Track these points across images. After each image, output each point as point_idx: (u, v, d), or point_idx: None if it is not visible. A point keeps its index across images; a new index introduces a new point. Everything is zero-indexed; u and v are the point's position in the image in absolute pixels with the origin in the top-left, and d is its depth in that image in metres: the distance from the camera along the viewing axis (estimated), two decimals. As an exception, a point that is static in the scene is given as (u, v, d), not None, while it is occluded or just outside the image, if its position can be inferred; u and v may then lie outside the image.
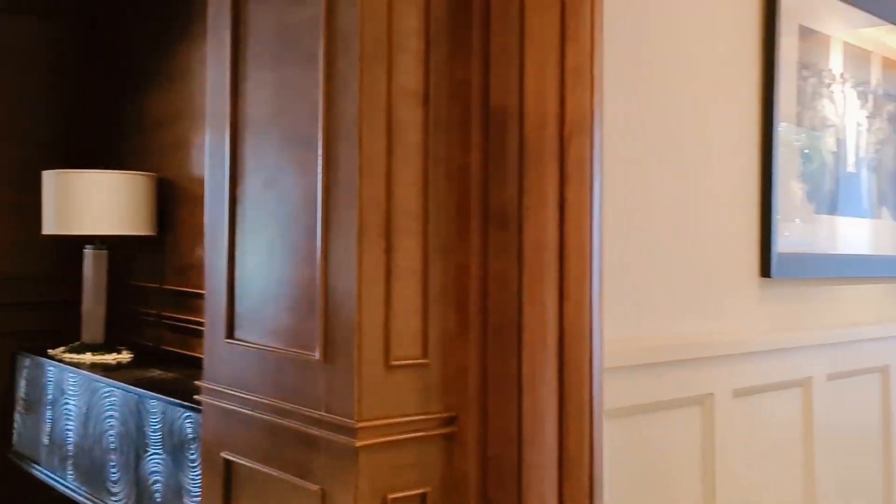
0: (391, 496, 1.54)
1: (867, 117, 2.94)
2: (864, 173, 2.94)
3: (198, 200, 2.19)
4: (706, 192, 2.37)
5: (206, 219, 1.92)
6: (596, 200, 1.73)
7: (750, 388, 2.47)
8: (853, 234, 2.93)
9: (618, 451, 2.10)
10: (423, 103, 1.61)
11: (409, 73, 1.59)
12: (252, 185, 1.79)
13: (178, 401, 2.39)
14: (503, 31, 1.67)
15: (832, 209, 2.82)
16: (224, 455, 1.83)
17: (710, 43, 2.38)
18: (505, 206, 1.66)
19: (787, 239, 2.60)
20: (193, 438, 2.28)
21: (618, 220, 2.10)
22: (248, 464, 1.77)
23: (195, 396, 1.99)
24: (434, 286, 1.61)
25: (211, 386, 1.90)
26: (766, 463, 2.55)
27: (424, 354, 1.60)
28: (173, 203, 3.32)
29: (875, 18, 2.95)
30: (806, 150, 2.69)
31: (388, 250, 1.54)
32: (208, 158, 1.91)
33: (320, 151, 1.60)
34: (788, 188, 2.61)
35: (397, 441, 1.55)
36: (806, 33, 2.65)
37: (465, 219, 1.67)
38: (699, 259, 2.36)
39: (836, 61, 2.78)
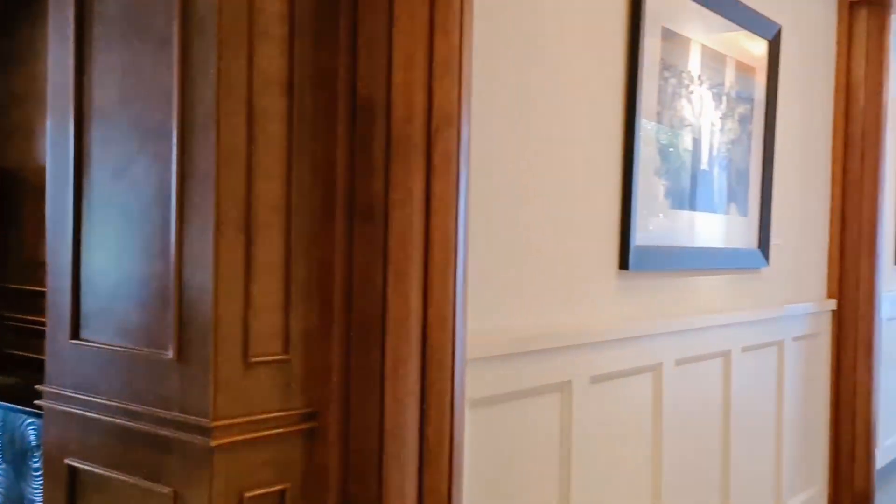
0: (248, 494, 1.51)
1: (720, 118, 3.08)
2: (717, 171, 3.08)
3: (44, 192, 2.06)
4: (570, 186, 2.43)
5: (48, 211, 1.81)
6: (462, 194, 1.74)
7: (606, 374, 2.57)
8: (705, 229, 3.07)
9: (480, 439, 2.14)
10: (286, 92, 1.57)
11: (272, 60, 1.54)
12: (100, 176, 1.70)
13: (20, 407, 2.25)
14: (371, 20, 1.64)
15: (687, 205, 2.94)
16: (68, 462, 1.75)
17: (577, 40, 2.43)
18: (371, 200, 1.64)
19: (644, 233, 2.70)
20: (37, 446, 2.16)
21: (484, 214, 2.12)
22: (95, 470, 1.70)
23: (36, 402, 1.88)
24: (297, 281, 1.59)
25: (54, 390, 1.80)
26: (619, 445, 2.65)
27: (286, 350, 1.57)
28: (16, 195, 3.12)
29: (731, 24, 3.08)
30: (665, 148, 2.79)
31: (248, 244, 1.50)
32: (50, 146, 1.80)
33: (175, 140, 1.53)
34: (648, 184, 2.71)
35: (256, 439, 1.52)
36: (668, 35, 2.75)
37: (329, 212, 1.64)
38: (562, 252, 2.41)
39: (694, 63, 2.90)
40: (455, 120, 1.70)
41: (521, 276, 2.26)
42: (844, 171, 4.11)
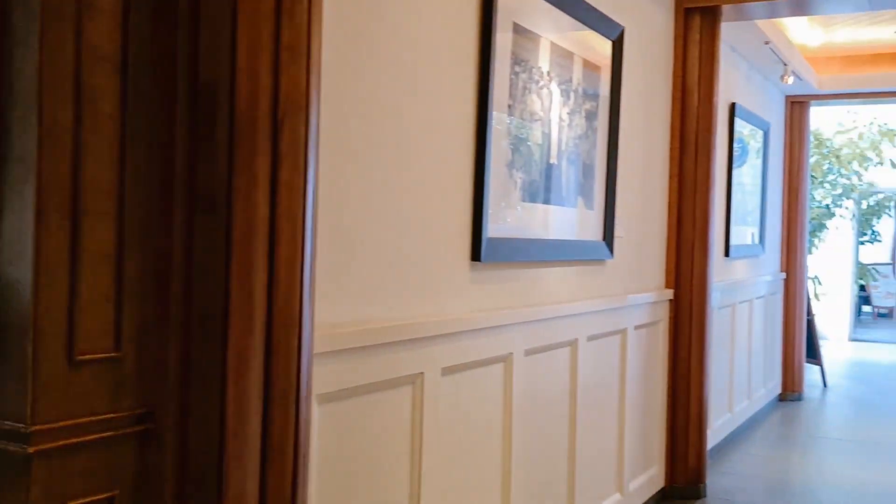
0: (72, 503, 1.40)
1: (569, 113, 3.14)
2: (565, 165, 3.15)
3: None
4: (423, 177, 2.41)
5: None
6: (310, 182, 1.68)
7: (457, 365, 2.57)
8: (556, 221, 3.14)
9: (330, 435, 2.09)
10: (120, 70, 1.46)
11: (103, 35, 1.43)
12: None
13: None
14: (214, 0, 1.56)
15: (538, 198, 2.99)
16: None
17: (431, 32, 2.41)
18: (213, 188, 1.56)
19: (497, 224, 2.72)
20: None
21: (334, 203, 2.07)
22: None
23: None
24: (131, 272, 1.48)
25: None
26: (470, 435, 2.67)
27: (117, 347, 1.47)
28: None
29: (578, 23, 3.16)
30: (517, 142, 2.82)
31: (75, 232, 1.38)
32: None
33: (-10, 118, 1.39)
34: (500, 176, 2.73)
35: (81, 443, 1.41)
36: (520, 31, 2.78)
37: (168, 200, 1.55)
38: (415, 244, 2.39)
39: (544, 59, 2.94)
40: (303, 106, 1.64)
41: (372, 268, 2.23)
42: (680, 168, 4.31)
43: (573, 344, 3.28)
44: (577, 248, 3.29)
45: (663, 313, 4.25)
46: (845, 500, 4.51)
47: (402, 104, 2.31)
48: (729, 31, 4.91)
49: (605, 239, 3.50)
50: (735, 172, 5.51)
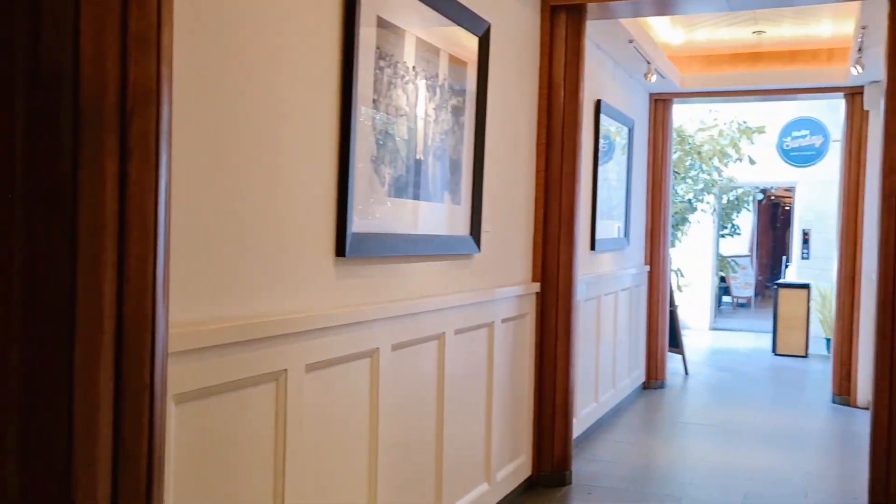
0: None
1: (435, 109, 3.18)
2: (432, 161, 3.18)
3: None
4: (285, 172, 2.39)
5: None
6: (163, 177, 1.64)
7: (322, 362, 2.56)
8: (423, 217, 3.16)
9: (189, 435, 2.05)
10: (-51, 58, 1.38)
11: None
12: None
13: None
14: (57, -15, 1.50)
15: (405, 193, 3.01)
16: None
17: (292, 24, 2.38)
18: (57, 183, 1.50)
19: (364, 220, 2.72)
20: None
21: (192, 199, 2.03)
22: None
23: None
24: (-36, 272, 1.41)
25: None
26: (336, 431, 2.67)
27: (-50, 350, 1.39)
28: None
29: (444, 18, 3.19)
30: (382, 136, 2.83)
31: None
32: None
33: None
34: (366, 171, 2.73)
35: (-90, 452, 1.33)
36: (384, 25, 2.78)
37: (8, 196, 1.47)
38: (278, 240, 2.37)
39: (409, 54, 2.96)
40: (154, 99, 1.60)
41: (232, 265, 2.19)
42: (547, 163, 4.42)
43: (440, 338, 3.32)
44: (445, 243, 3.33)
45: (530, 306, 4.35)
46: (703, 480, 4.75)
47: (261, 98, 2.28)
48: (594, 30, 5.07)
49: (472, 234, 3.55)
50: (601, 168, 5.71)
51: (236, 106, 2.18)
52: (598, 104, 5.56)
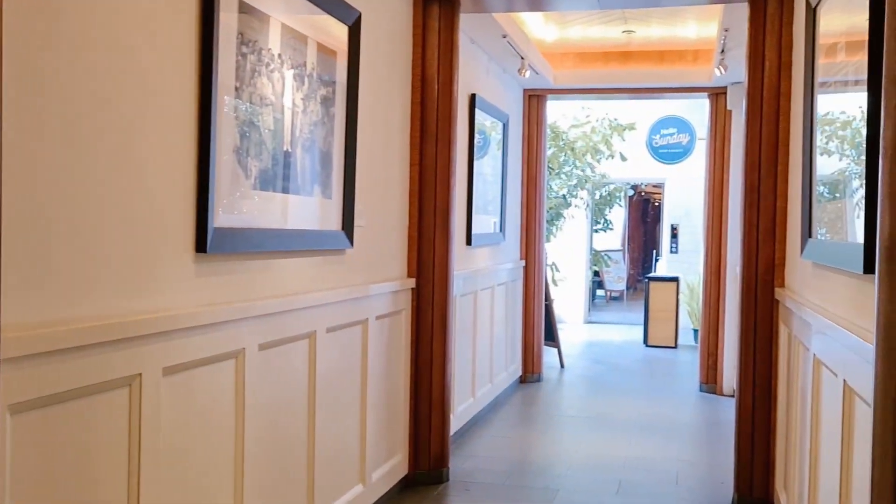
0: None
1: (303, 99, 3.06)
2: (300, 152, 3.06)
3: None
4: (139, 166, 2.23)
5: None
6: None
7: (181, 364, 2.41)
8: (292, 211, 3.04)
9: (28, 448, 1.88)
10: None
11: None
12: None
13: None
14: None
15: (272, 186, 2.88)
16: None
17: (144, 6, 2.22)
18: None
19: (226, 214, 2.58)
20: None
21: (28, 192, 1.85)
22: None
23: None
24: None
25: None
26: (198, 437, 2.52)
27: None
28: None
29: (311, 5, 3.07)
30: (246, 127, 2.70)
31: None
32: None
33: None
34: (229, 163, 2.59)
35: None
36: (247, 10, 2.65)
37: None
38: (131, 236, 2.21)
39: (274, 41, 2.83)
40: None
41: (79, 263, 2.02)
42: (421, 157, 4.36)
43: (311, 336, 3.20)
44: (315, 238, 3.22)
45: (406, 302, 4.29)
46: (579, 471, 4.81)
47: (111, 83, 2.11)
48: (468, 23, 5.05)
49: (344, 229, 3.45)
50: (476, 163, 5.70)
51: (81, 92, 2.01)
52: (472, 98, 5.55)
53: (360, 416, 3.73)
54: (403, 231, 4.31)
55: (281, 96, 2.89)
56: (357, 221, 3.60)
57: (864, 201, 2.12)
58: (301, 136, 3.06)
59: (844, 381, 2.36)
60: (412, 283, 4.33)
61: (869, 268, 2.04)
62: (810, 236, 3.05)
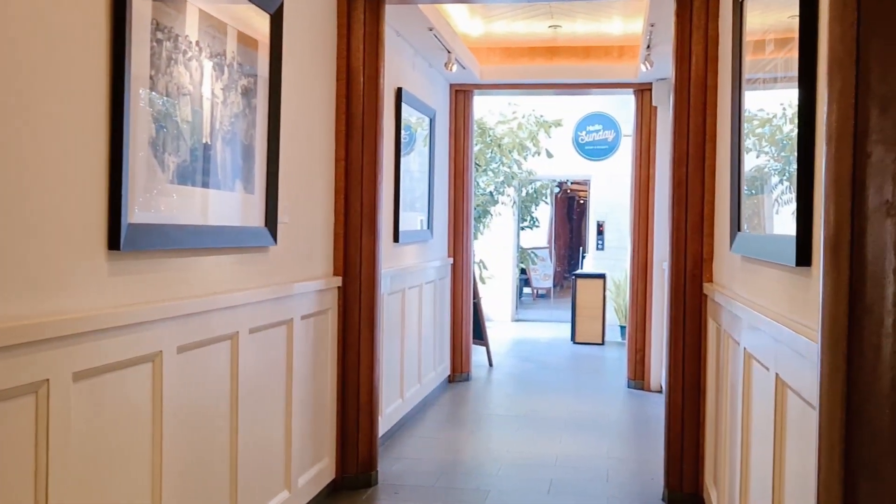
0: None
1: (223, 90, 2.92)
2: (220, 145, 2.92)
3: None
4: (45, 161, 2.07)
5: None
6: None
7: (94, 368, 2.27)
8: (212, 206, 2.90)
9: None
10: None
11: None
12: None
13: None
14: None
15: (191, 181, 2.74)
16: None
17: (45, -18, 2.07)
18: None
19: (142, 210, 2.44)
20: None
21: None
22: None
23: None
24: None
25: None
26: (113, 446, 2.37)
27: None
28: None
29: (231, -10, 2.94)
30: (162, 119, 2.55)
31: None
32: None
33: None
34: (143, 157, 2.45)
35: None
36: (161, -8, 2.50)
37: None
38: (36, 234, 2.05)
39: (192, 28, 2.69)
40: None
41: (-28, 260, 1.86)
42: (347, 152, 4.25)
43: (233, 338, 3.07)
44: (237, 234, 3.08)
45: (332, 301, 4.17)
46: (509, 471, 4.76)
47: (14, 73, 1.95)
48: (394, 16, 4.96)
49: (267, 225, 3.32)
50: (403, 159, 5.61)
51: (-26, 74, 1.85)
52: (399, 92, 5.46)
53: (284, 420, 3.61)
54: (329, 228, 4.20)
55: (199, 86, 2.75)
56: (281, 218, 3.48)
57: (793, 194, 2.10)
58: (221, 129, 2.92)
59: (777, 375, 2.35)
60: (338, 281, 4.22)
61: (802, 260, 2.03)
62: (739, 230, 3.05)
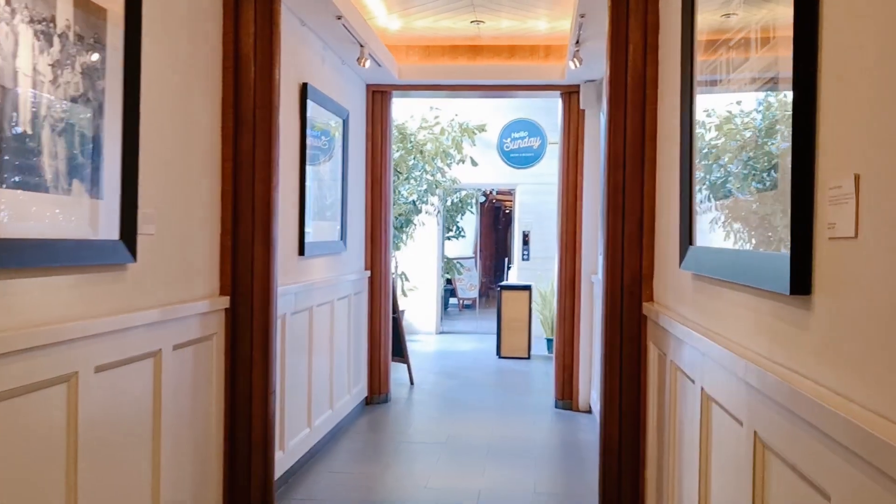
0: None
1: (51, 66, 2.30)
2: (47, 136, 2.30)
3: None
4: None
5: None
6: None
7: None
8: (29, 213, 2.28)
9: None
10: None
11: None
12: None
13: None
14: None
15: None
16: None
17: None
18: None
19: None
20: None
21: None
22: None
23: None
24: None
25: None
26: (25, 475, 1.80)
27: None
28: None
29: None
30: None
31: None
32: None
33: None
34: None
35: None
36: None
37: None
38: None
39: (3, -18, 2.08)
40: None
41: None
42: (236, 151, 3.66)
43: (72, 379, 2.44)
44: (74, 250, 2.46)
45: (217, 325, 3.57)
46: (425, 511, 4.21)
47: None
48: (298, 1, 4.39)
49: (123, 238, 2.70)
50: (312, 163, 5.02)
51: None
52: (304, 88, 4.87)
53: (150, 472, 2.98)
54: (214, 240, 3.59)
55: (12, 58, 2.13)
56: (144, 229, 2.87)
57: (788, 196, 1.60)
58: (50, 115, 2.31)
59: (756, 434, 1.84)
60: (225, 301, 3.62)
61: (799, 287, 1.53)
62: (691, 243, 2.56)
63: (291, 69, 4.63)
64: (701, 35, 2.57)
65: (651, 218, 3.47)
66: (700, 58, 2.57)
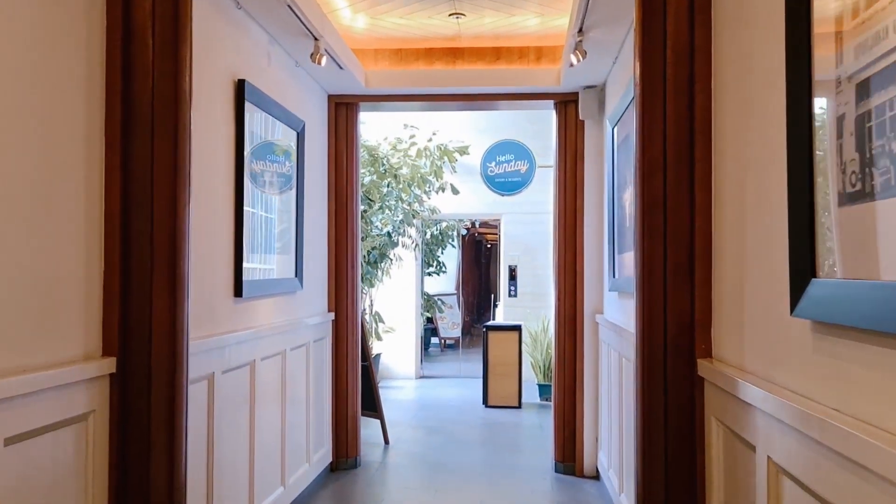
0: None
1: None
2: None
3: None
4: None
5: None
6: None
7: None
8: None
9: None
10: None
11: None
12: None
13: None
14: None
15: None
16: None
17: None
18: None
19: None
20: None
21: None
22: None
23: None
24: None
25: None
26: None
27: None
28: None
29: None
30: None
31: None
32: None
33: None
34: None
35: None
36: None
37: None
38: None
39: None
40: None
41: None
42: (126, 158, 2.65)
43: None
44: None
45: (96, 399, 2.53)
46: None
47: None
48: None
49: None
50: (254, 182, 4.01)
51: None
52: (240, 85, 3.87)
53: None
54: (93, 282, 2.56)
55: None
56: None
57: None
58: None
59: None
60: (110, 365, 2.58)
61: None
62: (815, 275, 1.57)
63: (220, 59, 3.65)
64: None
65: (706, 241, 2.48)
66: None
